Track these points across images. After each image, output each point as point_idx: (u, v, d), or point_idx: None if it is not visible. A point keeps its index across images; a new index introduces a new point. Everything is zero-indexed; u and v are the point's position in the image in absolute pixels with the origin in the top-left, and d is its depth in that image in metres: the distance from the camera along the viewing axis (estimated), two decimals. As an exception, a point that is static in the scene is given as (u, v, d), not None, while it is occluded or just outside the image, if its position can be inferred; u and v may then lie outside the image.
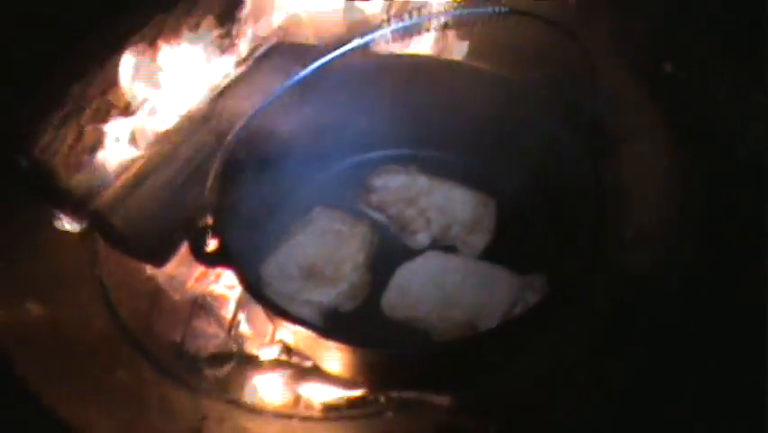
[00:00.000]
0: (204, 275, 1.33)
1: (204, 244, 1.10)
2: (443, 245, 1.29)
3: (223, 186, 1.15)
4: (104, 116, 1.26)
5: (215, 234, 1.10)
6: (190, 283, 1.32)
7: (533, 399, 1.15)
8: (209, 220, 1.11)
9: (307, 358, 1.20)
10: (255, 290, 1.10)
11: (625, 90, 1.44)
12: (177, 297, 1.31)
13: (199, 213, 1.15)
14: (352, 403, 1.19)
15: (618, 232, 1.28)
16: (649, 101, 1.45)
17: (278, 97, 1.24)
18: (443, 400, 1.15)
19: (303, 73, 1.25)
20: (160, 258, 1.23)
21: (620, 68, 1.47)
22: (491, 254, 1.28)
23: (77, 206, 1.22)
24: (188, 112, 1.29)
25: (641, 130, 1.37)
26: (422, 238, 1.29)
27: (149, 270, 1.32)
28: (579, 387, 1.16)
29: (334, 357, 1.13)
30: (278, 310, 1.07)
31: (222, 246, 1.09)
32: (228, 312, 1.30)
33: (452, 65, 1.40)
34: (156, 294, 1.32)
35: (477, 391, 1.17)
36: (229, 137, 1.17)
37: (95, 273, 1.35)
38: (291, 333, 1.14)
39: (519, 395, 1.16)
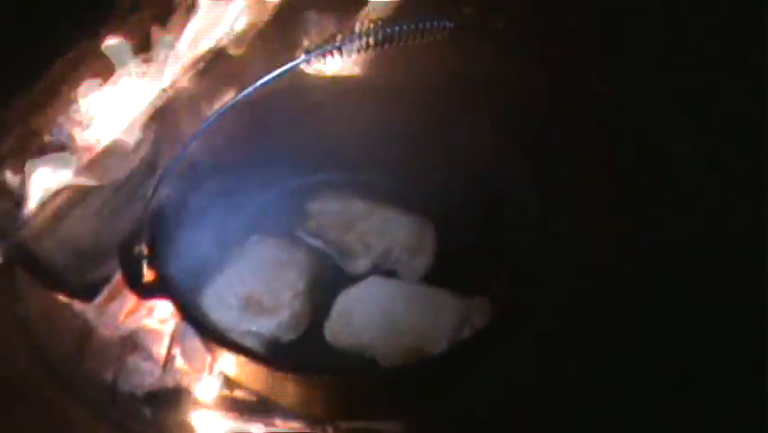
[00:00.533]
0: (135, 309, 1.27)
1: (139, 274, 1.05)
2: (384, 270, 1.26)
3: (157, 214, 1.10)
4: (25, 144, 1.20)
5: (151, 264, 1.05)
6: (121, 318, 1.26)
7: (486, 420, 1.13)
8: (144, 249, 1.06)
9: (250, 391, 1.16)
10: (195, 319, 1.05)
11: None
12: (107, 333, 1.25)
13: (133, 242, 1.09)
14: (299, 436, 1.15)
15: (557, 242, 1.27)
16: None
17: (210, 124, 1.19)
18: (393, 427, 1.12)
19: (234, 99, 1.20)
20: (90, 292, 1.17)
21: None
22: (432, 278, 1.26)
23: (-1, 237, 1.16)
24: (117, 139, 1.24)
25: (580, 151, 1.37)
26: (362, 264, 1.26)
27: (76, 305, 1.25)
28: (533, 402, 1.15)
29: (279, 388, 1.09)
30: (219, 339, 1.02)
31: (158, 276, 1.04)
32: (162, 347, 1.25)
33: (379, 85, 1.37)
34: (84, 331, 1.26)
35: (427, 417, 1.14)
36: (164, 164, 1.12)
37: (15, 311, 1.27)
38: (233, 364, 1.09)
39: (471, 417, 1.13)
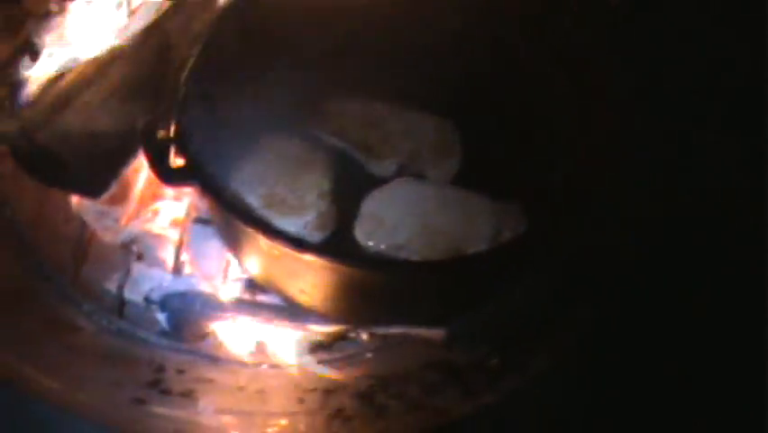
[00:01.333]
0: (137, 212, 1.16)
1: (166, 158, 0.94)
2: (410, 172, 1.18)
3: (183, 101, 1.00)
4: (18, 25, 1.07)
5: (181, 147, 0.94)
6: (123, 222, 1.15)
7: (531, 327, 1.06)
8: (172, 131, 0.95)
9: (276, 293, 1.06)
10: (232, 202, 0.95)
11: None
12: (108, 238, 1.14)
13: (157, 125, 0.98)
14: (328, 344, 1.06)
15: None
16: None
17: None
18: (436, 333, 1.04)
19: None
20: (98, 186, 1.06)
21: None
22: (461, 182, 1.18)
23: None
24: (122, 29, 1.12)
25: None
26: (388, 165, 1.17)
27: (73, 208, 1.13)
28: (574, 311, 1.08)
29: (309, 286, 1.00)
30: (261, 223, 0.93)
31: (190, 159, 0.94)
32: (169, 253, 1.14)
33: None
34: (82, 236, 1.15)
35: (470, 322, 1.06)
36: (194, 52, 1.01)
37: (4, 214, 1.14)
38: (263, 258, 1.00)
39: (516, 324, 1.06)
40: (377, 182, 1.16)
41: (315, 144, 1.18)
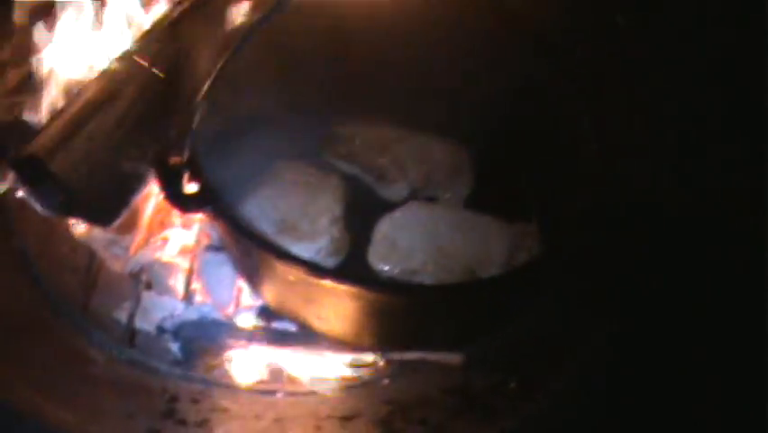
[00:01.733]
0: (145, 240, 1.14)
1: (179, 185, 0.93)
2: (422, 196, 1.17)
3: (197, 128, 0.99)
4: (26, 54, 1.06)
5: (194, 172, 0.93)
6: (132, 250, 1.13)
7: (549, 349, 1.05)
8: (185, 157, 0.94)
9: (291, 319, 1.05)
10: (249, 229, 0.94)
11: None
12: (117, 267, 1.12)
13: (170, 152, 0.97)
14: (343, 371, 1.05)
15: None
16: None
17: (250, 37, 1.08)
18: (453, 358, 1.03)
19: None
20: (109, 215, 1.04)
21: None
22: (473, 204, 1.17)
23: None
24: (127, 51, 1.11)
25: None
26: (400, 189, 1.17)
27: (81, 236, 1.12)
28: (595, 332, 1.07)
29: (330, 309, 0.98)
30: (278, 249, 0.91)
31: (204, 185, 0.93)
32: (179, 282, 1.13)
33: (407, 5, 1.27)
34: (91, 266, 1.13)
35: (487, 346, 1.05)
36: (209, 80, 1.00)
37: (13, 245, 1.13)
38: (278, 284, 0.99)
39: (534, 347, 1.05)
40: (389, 207, 1.16)
41: (327, 169, 1.18)
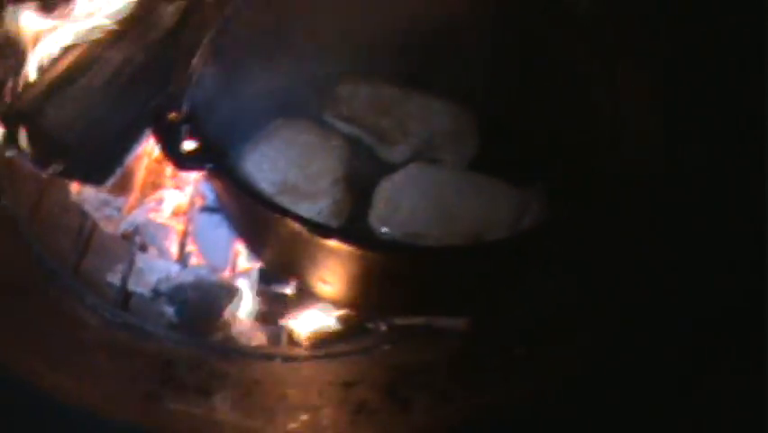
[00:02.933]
0: (138, 201, 1.11)
1: (177, 141, 0.89)
2: (424, 158, 1.14)
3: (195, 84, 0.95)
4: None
5: (193, 129, 0.89)
6: (125, 211, 1.10)
7: (556, 317, 1.02)
8: (184, 113, 0.90)
9: (292, 282, 1.02)
10: (250, 187, 0.90)
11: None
12: (110, 229, 1.09)
13: (169, 108, 0.92)
14: (344, 335, 1.02)
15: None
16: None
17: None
18: (458, 323, 1.00)
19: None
20: (103, 174, 1.00)
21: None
22: (477, 167, 1.14)
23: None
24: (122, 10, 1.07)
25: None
26: (401, 151, 1.14)
27: (73, 197, 1.08)
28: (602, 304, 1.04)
29: (333, 271, 0.95)
30: (280, 208, 0.88)
31: (203, 143, 0.89)
32: (173, 244, 1.09)
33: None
34: (83, 227, 1.09)
35: (492, 312, 1.02)
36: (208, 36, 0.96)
37: (1, 205, 1.09)
38: (280, 245, 0.95)
39: (540, 314, 1.03)
40: (390, 168, 1.13)
41: (328, 130, 1.15)
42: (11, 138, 0.99)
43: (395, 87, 1.18)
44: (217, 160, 0.90)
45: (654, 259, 1.09)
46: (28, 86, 0.98)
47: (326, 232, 0.88)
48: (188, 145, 0.89)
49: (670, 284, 1.08)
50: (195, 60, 0.95)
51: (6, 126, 0.97)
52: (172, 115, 0.92)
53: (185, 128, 0.90)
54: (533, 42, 1.13)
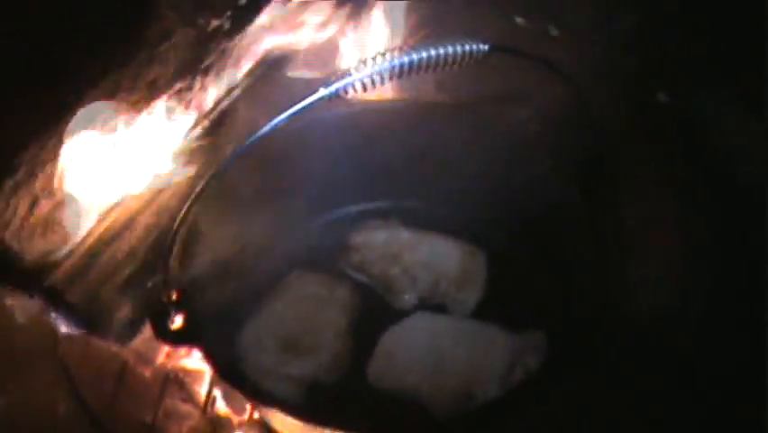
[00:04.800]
0: (175, 349, 1.22)
1: (167, 320, 1.00)
2: (431, 304, 1.18)
3: (188, 253, 1.05)
4: (59, 181, 1.16)
5: (179, 310, 0.99)
6: (160, 359, 1.22)
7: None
8: (173, 294, 1.00)
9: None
10: (225, 370, 0.99)
11: (618, 124, 1.34)
12: (147, 374, 1.21)
13: (161, 286, 1.03)
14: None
15: (620, 279, 1.17)
16: (645, 134, 1.35)
17: (244, 150, 1.12)
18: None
19: (263, 130, 1.13)
20: (125, 336, 1.12)
21: (611, 100, 1.37)
22: (483, 311, 1.18)
23: (31, 282, 1.11)
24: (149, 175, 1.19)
25: (640, 168, 1.27)
26: (408, 298, 1.19)
27: (114, 346, 1.21)
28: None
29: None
30: (251, 393, 0.96)
31: (187, 323, 0.99)
32: (203, 388, 1.20)
33: (427, 107, 1.29)
34: (122, 372, 1.22)
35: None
36: (191, 198, 1.04)
37: (55, 353, 1.24)
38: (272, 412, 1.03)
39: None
40: (398, 315, 1.18)
41: (339, 280, 1.21)
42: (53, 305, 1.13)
43: (408, 230, 1.25)
44: (201, 339, 0.99)
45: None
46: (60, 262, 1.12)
47: (294, 413, 0.95)
48: (177, 322, 1.00)
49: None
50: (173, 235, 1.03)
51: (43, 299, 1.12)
52: (164, 293, 1.02)
53: (173, 307, 1.00)
54: (541, 190, 1.18)
